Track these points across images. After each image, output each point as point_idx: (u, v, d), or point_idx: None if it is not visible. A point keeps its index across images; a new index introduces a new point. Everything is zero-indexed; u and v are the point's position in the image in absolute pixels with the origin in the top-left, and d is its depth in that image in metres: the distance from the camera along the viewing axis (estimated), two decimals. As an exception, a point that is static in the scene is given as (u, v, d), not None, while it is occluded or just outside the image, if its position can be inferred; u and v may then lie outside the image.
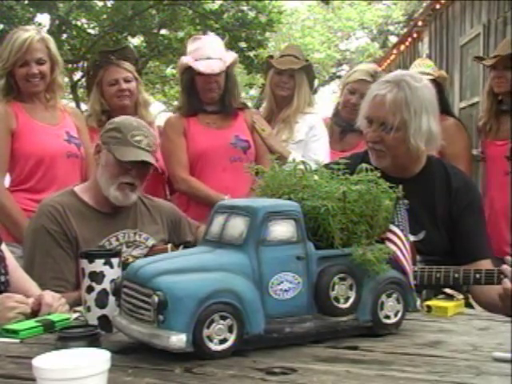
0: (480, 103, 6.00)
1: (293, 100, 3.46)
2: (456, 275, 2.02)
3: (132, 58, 3.33)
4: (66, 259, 2.30)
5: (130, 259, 2.29)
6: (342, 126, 3.60)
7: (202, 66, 3.11)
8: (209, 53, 3.17)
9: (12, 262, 2.07)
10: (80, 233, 2.33)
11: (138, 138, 2.34)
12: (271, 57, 3.71)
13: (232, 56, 3.27)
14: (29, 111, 2.96)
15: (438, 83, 3.30)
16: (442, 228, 2.29)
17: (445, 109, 3.29)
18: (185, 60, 3.22)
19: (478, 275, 2.01)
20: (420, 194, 2.28)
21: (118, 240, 2.40)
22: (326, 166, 1.77)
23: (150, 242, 2.46)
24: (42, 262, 2.29)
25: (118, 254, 1.69)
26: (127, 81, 3.21)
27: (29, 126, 2.92)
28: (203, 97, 3.20)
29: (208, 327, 1.37)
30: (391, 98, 2.20)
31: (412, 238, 2.15)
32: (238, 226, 1.48)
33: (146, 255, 2.36)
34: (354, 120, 3.54)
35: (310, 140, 3.42)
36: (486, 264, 2.25)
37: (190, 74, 3.18)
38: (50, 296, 1.84)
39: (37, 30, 3.02)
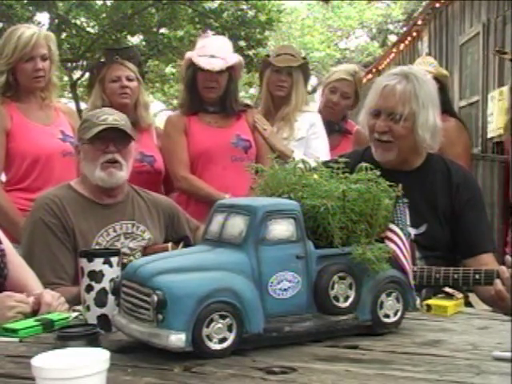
0: (490, 98, 6.01)
1: (290, 98, 3.46)
2: (455, 276, 2.02)
3: (136, 59, 3.35)
4: (65, 251, 2.32)
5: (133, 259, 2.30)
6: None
7: (203, 62, 3.11)
8: (213, 51, 3.17)
9: (10, 247, 2.06)
10: (77, 224, 2.35)
11: (103, 118, 2.38)
12: (268, 56, 3.72)
13: (236, 58, 3.27)
14: (23, 111, 2.97)
15: (439, 81, 3.29)
16: (443, 222, 2.30)
17: (447, 109, 3.28)
18: (188, 54, 3.22)
19: (477, 276, 2.01)
20: (420, 187, 2.29)
21: (115, 231, 2.41)
22: (326, 164, 1.77)
23: (147, 235, 2.47)
24: (41, 254, 2.30)
25: (117, 253, 1.69)
26: (129, 79, 3.21)
27: (23, 126, 2.93)
28: (203, 95, 3.20)
29: (207, 326, 1.36)
30: (401, 89, 2.23)
31: (413, 231, 2.16)
32: (237, 225, 1.48)
33: (145, 253, 2.37)
34: (334, 120, 3.64)
35: (310, 138, 3.43)
36: (487, 258, 2.26)
37: (193, 70, 3.17)
38: (49, 295, 1.84)
39: (38, 28, 3.05)
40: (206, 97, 3.20)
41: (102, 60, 3.27)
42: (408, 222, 1.66)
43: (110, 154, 2.36)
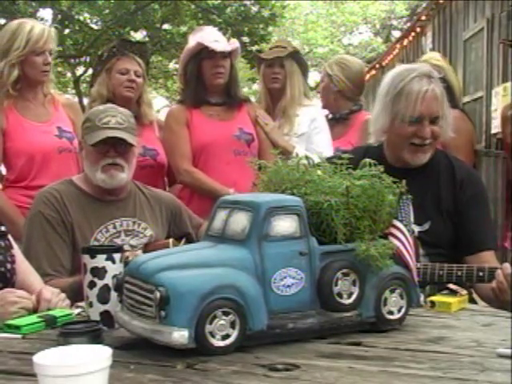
0: (494, 94, 5.98)
1: (285, 90, 3.43)
2: (459, 273, 2.02)
3: (145, 57, 3.35)
4: (62, 245, 2.32)
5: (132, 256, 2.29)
6: (327, 117, 3.67)
7: (214, 45, 3.10)
8: (216, 37, 3.17)
9: (19, 253, 2.07)
10: (76, 220, 2.36)
11: (105, 120, 2.37)
12: (259, 51, 3.71)
13: (237, 42, 3.28)
14: (19, 110, 2.98)
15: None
16: (447, 219, 2.30)
17: (451, 102, 3.25)
18: (192, 43, 3.18)
19: (481, 273, 2.01)
20: (425, 184, 2.30)
21: (115, 227, 2.40)
22: (329, 160, 1.76)
23: (149, 232, 2.47)
24: (38, 246, 2.31)
25: (120, 249, 1.69)
26: (137, 75, 3.21)
27: (18, 125, 2.94)
28: (210, 83, 3.16)
29: (210, 323, 1.36)
30: (439, 92, 2.26)
31: (417, 228, 2.16)
32: (240, 222, 1.48)
33: (145, 250, 2.36)
34: (329, 105, 3.66)
35: (312, 132, 3.41)
36: (488, 256, 2.26)
37: (195, 62, 3.15)
38: (49, 292, 1.84)
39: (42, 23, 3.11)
40: (215, 84, 3.16)
41: (114, 49, 3.25)
42: (412, 219, 1.65)
43: (111, 159, 2.36)
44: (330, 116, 3.71)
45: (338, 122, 3.66)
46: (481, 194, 2.37)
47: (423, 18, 9.38)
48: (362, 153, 2.32)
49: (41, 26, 3.01)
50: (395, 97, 2.26)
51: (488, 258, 2.23)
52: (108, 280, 1.62)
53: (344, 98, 3.67)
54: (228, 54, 3.16)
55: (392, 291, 1.57)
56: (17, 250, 2.07)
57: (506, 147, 3.40)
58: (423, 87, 2.24)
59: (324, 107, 3.73)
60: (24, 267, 2.07)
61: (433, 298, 1.83)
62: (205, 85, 3.18)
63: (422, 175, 2.30)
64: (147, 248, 2.40)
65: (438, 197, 2.31)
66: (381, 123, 2.32)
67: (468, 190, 2.32)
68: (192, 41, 3.23)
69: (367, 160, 1.65)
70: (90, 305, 1.65)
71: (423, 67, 2.37)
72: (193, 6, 13.12)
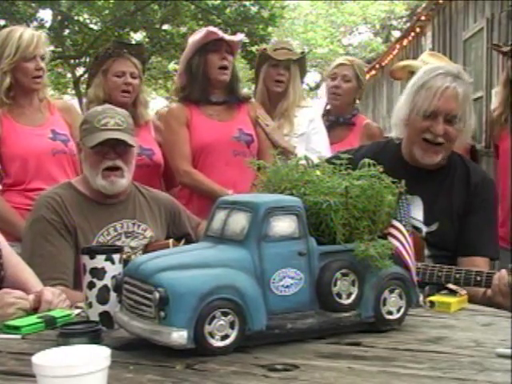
0: (493, 93, 5.98)
1: (288, 92, 3.44)
2: (457, 276, 2.02)
3: (142, 58, 3.34)
4: (66, 246, 2.32)
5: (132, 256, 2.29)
6: (330, 120, 3.68)
7: (222, 34, 3.10)
8: (220, 33, 3.16)
9: (7, 247, 2.05)
10: (78, 223, 2.35)
11: (103, 122, 2.35)
12: (265, 49, 3.71)
13: (241, 35, 3.30)
14: (14, 116, 2.98)
15: None
16: (456, 222, 2.29)
17: None
18: (200, 35, 3.15)
19: (478, 277, 2.01)
20: (438, 185, 2.30)
21: (115, 230, 2.40)
22: (329, 160, 1.76)
23: (149, 233, 2.46)
24: (42, 250, 2.30)
25: (119, 249, 1.69)
26: (133, 77, 3.20)
27: (12, 130, 2.94)
28: (216, 79, 3.15)
29: (209, 323, 1.36)
30: (462, 92, 2.24)
31: (425, 229, 2.16)
32: (239, 222, 1.48)
33: (146, 251, 2.36)
34: (338, 107, 3.63)
35: (310, 133, 3.42)
36: (482, 262, 2.25)
37: (201, 56, 3.14)
38: (49, 292, 1.84)
39: (33, 28, 3.10)
40: (221, 79, 3.15)
41: (109, 50, 3.24)
42: (421, 219, 1.65)
43: (111, 161, 2.35)
44: (332, 119, 3.70)
45: (340, 125, 3.67)
46: (491, 200, 2.36)
47: (423, 18, 9.37)
48: (380, 147, 2.36)
49: (30, 31, 2.99)
50: (417, 89, 2.27)
51: (480, 264, 2.22)
52: (107, 280, 1.62)
53: (352, 101, 3.72)
54: (231, 51, 3.16)
55: (391, 291, 1.57)
56: (4, 245, 2.05)
57: None
58: (445, 84, 2.23)
59: (334, 109, 3.73)
60: (15, 262, 2.05)
61: (432, 298, 1.82)
62: (210, 80, 3.17)
63: (436, 176, 2.30)
64: (147, 249, 2.40)
65: (450, 199, 2.30)
66: (401, 113, 2.31)
67: (480, 194, 2.32)
68: (195, 36, 3.20)
69: (366, 160, 1.65)
70: (90, 305, 1.65)
71: (453, 67, 2.38)
72: (192, 7, 13.13)
